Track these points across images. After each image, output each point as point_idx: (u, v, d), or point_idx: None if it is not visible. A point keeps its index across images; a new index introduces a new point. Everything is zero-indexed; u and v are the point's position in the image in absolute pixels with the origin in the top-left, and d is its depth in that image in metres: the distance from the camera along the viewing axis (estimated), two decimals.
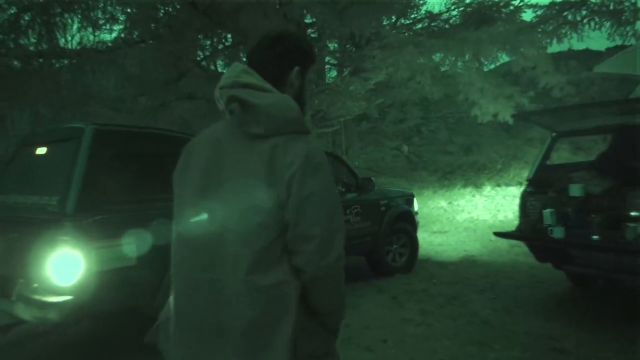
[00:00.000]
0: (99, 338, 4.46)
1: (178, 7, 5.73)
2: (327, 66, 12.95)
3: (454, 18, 9.45)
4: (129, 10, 6.14)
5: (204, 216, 1.33)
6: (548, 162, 4.84)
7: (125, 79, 8.14)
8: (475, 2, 8.83)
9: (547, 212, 4.19)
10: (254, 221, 1.25)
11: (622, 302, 4.82)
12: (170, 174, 3.57)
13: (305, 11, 7.07)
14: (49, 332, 4.47)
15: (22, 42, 5.98)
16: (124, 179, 3.64)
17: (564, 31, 9.14)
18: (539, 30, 8.87)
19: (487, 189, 13.27)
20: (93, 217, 3.28)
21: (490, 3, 8.58)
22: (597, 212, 4.04)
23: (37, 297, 3.27)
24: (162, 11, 6.09)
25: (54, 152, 3.71)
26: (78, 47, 6.06)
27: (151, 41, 6.80)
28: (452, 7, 9.32)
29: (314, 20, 10.06)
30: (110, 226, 3.39)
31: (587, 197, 4.42)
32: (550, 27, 8.92)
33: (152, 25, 6.31)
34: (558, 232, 4.04)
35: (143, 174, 3.80)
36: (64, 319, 3.25)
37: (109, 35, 8.39)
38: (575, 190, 4.39)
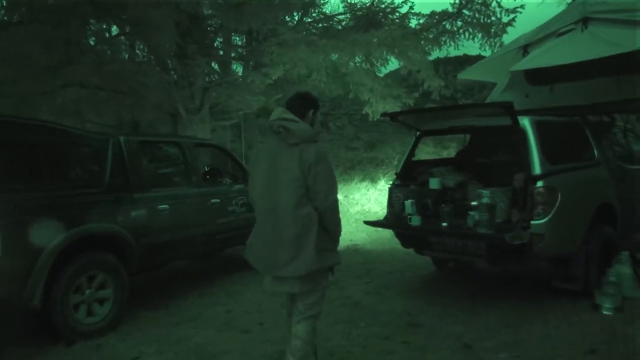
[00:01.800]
0: None
1: None
2: (228, 60, 12.92)
3: (346, 20, 9.93)
4: None
5: (270, 183, 2.74)
6: (414, 159, 5.38)
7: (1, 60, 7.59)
8: (365, 6, 9.37)
9: (408, 202, 4.68)
10: (294, 184, 2.67)
11: (472, 281, 5.53)
12: (39, 166, 3.61)
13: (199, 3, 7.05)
14: None
15: None
16: None
17: (443, 39, 10.00)
18: (422, 36, 9.61)
19: (381, 183, 14.06)
20: None
21: (377, 9, 9.14)
22: (447, 203, 4.61)
23: None
24: None
25: None
26: None
27: (30, 24, 6.44)
28: (345, 10, 9.78)
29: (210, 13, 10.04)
30: None
31: (443, 189, 5.02)
32: (431, 35, 9.71)
33: (30, 8, 5.99)
34: (415, 220, 4.55)
35: (10, 166, 3.71)
36: None
37: None
38: (434, 183, 4.95)
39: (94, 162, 4.30)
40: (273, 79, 12.05)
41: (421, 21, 9.65)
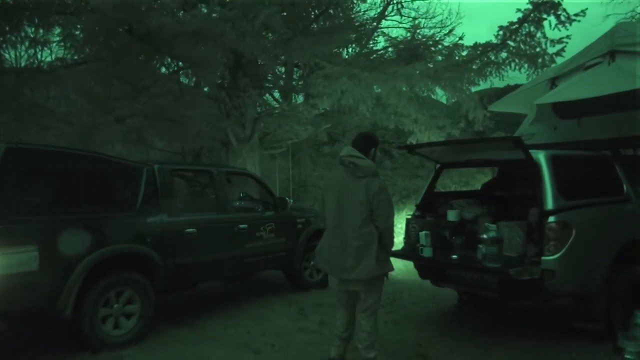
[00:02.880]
0: (7, 338, 4.76)
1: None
2: (271, 94, 13.52)
3: (389, 53, 10.15)
4: (76, 32, 6.56)
5: (340, 205, 3.56)
6: (435, 190, 5.43)
7: (76, 94, 8.47)
8: (406, 39, 9.56)
9: (422, 233, 4.73)
10: (361, 208, 3.46)
11: (493, 316, 5.42)
12: (76, 189, 4.04)
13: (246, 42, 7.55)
14: None
15: None
16: (31, 193, 4.03)
17: (489, 70, 9.94)
18: (466, 68, 9.62)
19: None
20: None
21: (418, 42, 9.30)
22: (460, 235, 4.62)
23: None
24: (103, 37, 6.51)
25: None
26: (18, 66, 6.43)
27: (94, 63, 7.22)
28: (387, 45, 10.04)
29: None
30: (15, 235, 3.77)
31: (461, 222, 5.02)
32: (475, 67, 9.69)
33: (94, 48, 6.73)
34: (427, 252, 4.59)
35: (51, 189, 4.21)
36: None
37: (50, 55, 8.73)
38: (451, 215, 4.97)
39: (128, 188, 4.74)
40: (321, 109, 12.49)
41: (464, 53, 9.65)
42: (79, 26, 6.65)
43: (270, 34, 10.62)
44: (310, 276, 6.80)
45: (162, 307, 5.48)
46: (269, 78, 12.54)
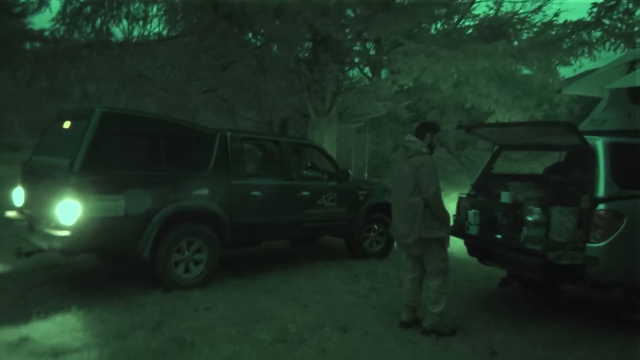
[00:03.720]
0: (97, 272, 5.62)
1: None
2: (358, 67, 13.65)
3: (470, 30, 9.91)
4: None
5: (398, 181, 4.22)
6: (493, 171, 5.45)
7: (169, 66, 9.34)
8: (489, 17, 9.26)
9: (471, 212, 4.84)
10: (408, 182, 4.04)
11: (542, 299, 5.43)
12: (158, 150, 4.70)
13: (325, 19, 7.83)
14: (62, 265, 5.70)
15: (76, 33, 7.34)
16: (121, 150, 4.73)
17: (581, 50, 9.39)
18: (553, 47, 9.17)
19: None
20: (91, 177, 4.37)
21: (502, 20, 8.99)
22: (507, 216, 4.67)
23: (48, 231, 4.43)
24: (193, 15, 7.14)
25: (74, 126, 4.86)
26: (119, 40, 7.27)
27: (186, 37, 7.94)
28: (469, 22, 9.80)
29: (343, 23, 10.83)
30: (106, 185, 4.48)
31: (514, 204, 5.03)
32: (565, 46, 9.20)
33: (186, 24, 7.39)
34: (473, 230, 4.71)
35: (137, 149, 4.89)
36: (64, 248, 4.40)
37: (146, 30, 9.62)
38: (505, 197, 5.00)
39: (203, 152, 5.32)
40: (400, 86, 12.49)
41: (552, 32, 9.18)
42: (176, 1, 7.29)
43: (351, 11, 10.82)
44: (370, 246, 7.11)
45: (229, 260, 6.14)
46: (352, 53, 12.76)
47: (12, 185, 5.52)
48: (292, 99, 9.16)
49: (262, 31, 7.24)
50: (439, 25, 13.30)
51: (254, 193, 5.60)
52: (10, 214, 5.25)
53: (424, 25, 12.08)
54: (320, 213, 6.31)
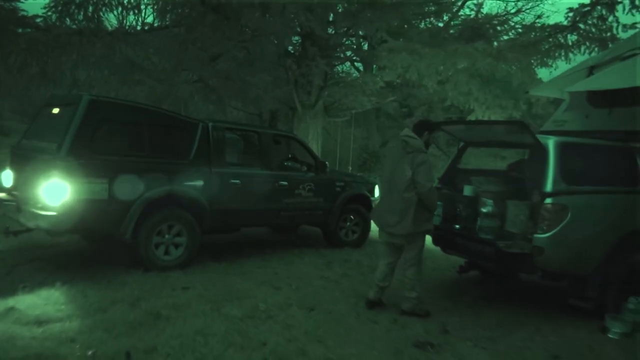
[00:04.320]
0: (82, 253, 5.91)
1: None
2: (350, 62, 13.94)
3: (452, 30, 10.23)
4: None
5: (392, 173, 4.45)
6: (459, 166, 5.79)
7: (156, 56, 9.58)
8: (469, 18, 9.59)
9: None
10: (405, 177, 4.30)
11: (498, 288, 5.80)
12: (142, 137, 4.96)
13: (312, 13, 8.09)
14: (48, 245, 5.98)
15: (68, 20, 7.59)
16: (107, 137, 5.00)
17: (558, 53, 9.76)
18: (534, 49, 9.51)
19: None
20: (78, 160, 4.65)
21: (482, 21, 9.32)
22: (467, 208, 5.01)
23: (35, 210, 4.71)
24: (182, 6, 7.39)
25: (62, 112, 5.12)
26: (110, 29, 7.52)
27: (175, 28, 8.18)
28: (451, 23, 10.11)
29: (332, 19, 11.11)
30: (91, 169, 4.75)
31: (476, 197, 5.38)
32: (543, 48, 9.55)
33: (174, 15, 7.63)
34: (436, 220, 5.03)
35: (122, 136, 5.16)
36: (50, 228, 4.68)
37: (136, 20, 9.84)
38: (467, 190, 5.35)
39: (185, 140, 5.60)
40: (386, 81, 12.79)
41: (532, 35, 9.53)
42: None
43: (341, 6, 11.09)
44: (346, 236, 7.44)
45: (210, 245, 6.45)
46: (340, 48, 13.04)
47: (1, 167, 5.77)
48: (277, 92, 9.43)
49: (249, 24, 7.45)
50: (427, 23, 13.64)
51: (233, 181, 5.90)
52: None
53: (414, 22, 12.40)
54: (297, 202, 6.62)
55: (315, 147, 11.48)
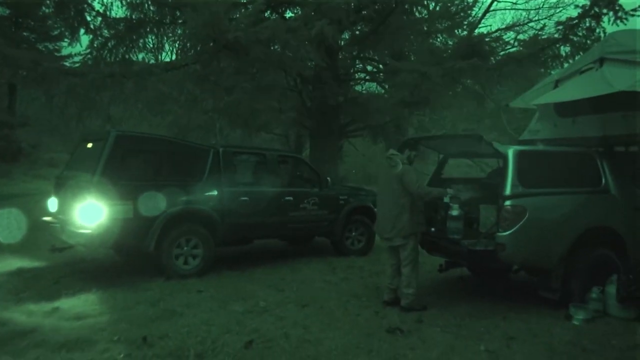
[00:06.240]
0: (115, 265, 6.83)
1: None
2: (360, 83, 14.69)
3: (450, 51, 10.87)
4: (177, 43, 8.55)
5: (385, 186, 5.28)
6: (442, 176, 6.40)
7: (180, 91, 10.68)
8: (464, 37, 10.22)
9: None
10: (396, 187, 5.08)
11: (481, 285, 6.35)
12: (161, 163, 5.97)
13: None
14: (87, 260, 6.94)
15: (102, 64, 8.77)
16: (131, 164, 5.93)
17: (553, 64, 10.24)
18: (526, 62, 10.03)
19: None
20: (107, 186, 5.58)
21: (476, 40, 9.92)
22: (441, 212, 5.63)
23: (74, 230, 5.65)
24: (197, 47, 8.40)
25: (94, 146, 6.11)
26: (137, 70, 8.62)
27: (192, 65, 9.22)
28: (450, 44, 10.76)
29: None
30: (119, 193, 5.66)
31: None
32: (538, 61, 10.06)
33: (191, 54, 8.64)
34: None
35: (144, 163, 6.09)
36: (86, 243, 5.61)
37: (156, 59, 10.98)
38: (446, 197, 5.97)
39: (199, 164, 6.47)
40: (401, 99, 13.43)
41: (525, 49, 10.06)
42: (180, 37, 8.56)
43: (346, 33, 11.93)
44: (352, 244, 8.12)
45: (226, 256, 7.27)
46: (351, 71, 13.83)
47: (49, 195, 6.80)
48: (286, 116, 10.29)
49: (256, 58, 8.32)
50: (437, 39, 14.24)
51: (242, 198, 6.72)
52: (47, 218, 6.50)
53: (432, 39, 12.95)
54: (302, 215, 7.38)
55: (333, 165, 12.25)
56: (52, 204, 6.51)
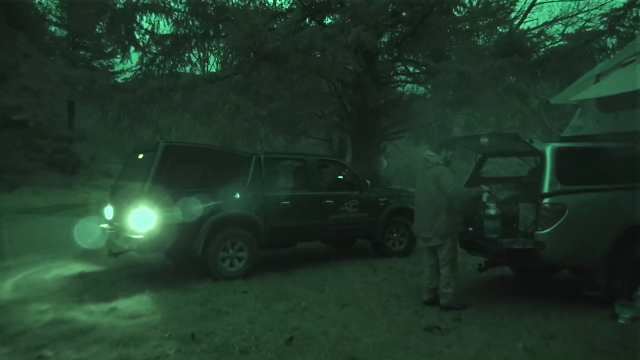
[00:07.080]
0: (166, 268, 7.22)
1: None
2: (401, 85, 14.69)
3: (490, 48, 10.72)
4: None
5: (421, 186, 5.39)
6: (481, 175, 6.38)
7: (224, 101, 11.12)
8: (503, 34, 10.07)
9: None
10: (432, 187, 5.21)
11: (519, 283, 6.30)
12: (206, 171, 6.33)
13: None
14: (141, 264, 7.37)
15: (151, 79, 9.32)
16: (179, 173, 6.28)
17: (600, 57, 9.92)
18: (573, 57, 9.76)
19: None
20: (157, 194, 5.94)
21: (517, 36, 9.76)
22: (480, 212, 5.63)
23: (128, 235, 6.05)
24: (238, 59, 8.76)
25: (145, 156, 6.50)
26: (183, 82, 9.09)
27: (235, 76, 9.60)
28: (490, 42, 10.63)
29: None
30: (168, 200, 6.02)
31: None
32: (580, 55, 9.77)
33: (233, 66, 9.01)
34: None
35: (191, 171, 6.43)
36: (139, 248, 5.98)
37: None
38: (485, 196, 5.96)
39: (241, 171, 6.76)
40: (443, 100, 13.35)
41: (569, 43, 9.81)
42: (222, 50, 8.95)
43: (385, 36, 12.02)
44: (393, 246, 8.19)
45: (271, 259, 7.53)
46: (391, 74, 13.87)
47: (105, 204, 7.29)
48: (325, 121, 10.49)
49: (295, 67, 8.56)
50: (478, 37, 14.05)
51: (284, 202, 6.95)
52: (103, 225, 6.97)
53: (474, 36, 12.82)
54: (343, 218, 7.54)
55: (375, 167, 12.34)
56: (108, 212, 6.97)
